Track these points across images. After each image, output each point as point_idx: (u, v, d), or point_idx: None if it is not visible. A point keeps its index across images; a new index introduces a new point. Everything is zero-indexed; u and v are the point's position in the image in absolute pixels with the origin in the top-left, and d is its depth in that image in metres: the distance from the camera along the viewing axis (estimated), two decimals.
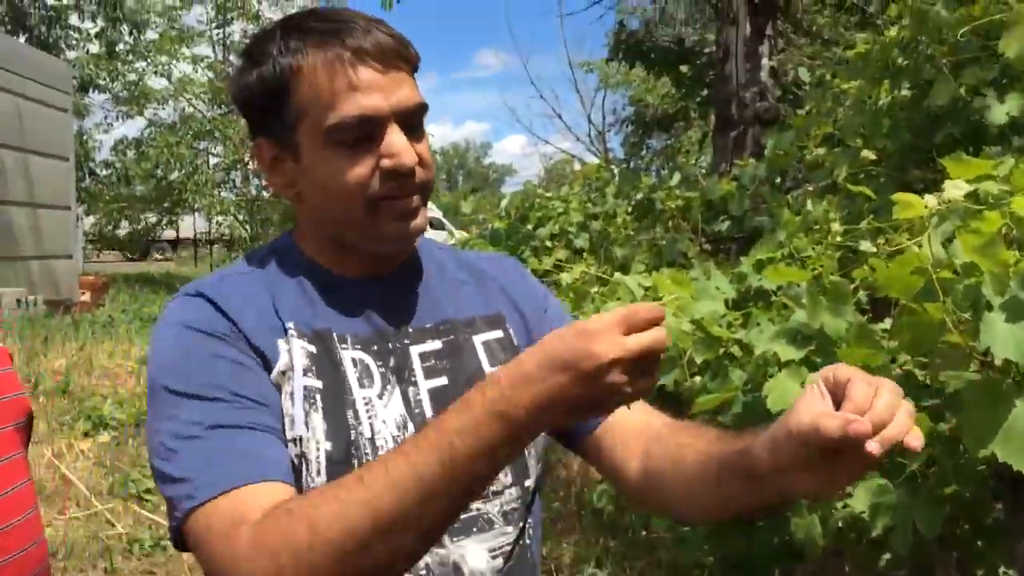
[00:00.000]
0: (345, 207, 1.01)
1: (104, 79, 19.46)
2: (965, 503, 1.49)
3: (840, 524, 1.61)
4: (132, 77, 19.98)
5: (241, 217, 19.51)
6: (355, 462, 0.97)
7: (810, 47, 9.81)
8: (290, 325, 1.00)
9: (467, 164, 62.45)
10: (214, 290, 1.02)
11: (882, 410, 0.76)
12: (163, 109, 20.49)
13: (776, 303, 2.24)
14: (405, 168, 0.99)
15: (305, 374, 0.98)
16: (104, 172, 20.69)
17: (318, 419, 0.97)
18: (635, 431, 1.11)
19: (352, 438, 0.98)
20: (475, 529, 1.03)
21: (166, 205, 20.97)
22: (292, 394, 0.97)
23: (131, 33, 19.44)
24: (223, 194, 19.96)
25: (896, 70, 2.62)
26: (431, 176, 1.05)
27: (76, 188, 14.98)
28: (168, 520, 0.94)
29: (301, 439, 0.96)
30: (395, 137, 0.99)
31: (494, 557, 1.04)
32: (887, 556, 1.63)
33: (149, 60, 19.75)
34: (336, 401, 0.99)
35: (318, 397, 0.98)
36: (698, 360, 2.09)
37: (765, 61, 5.85)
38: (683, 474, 1.01)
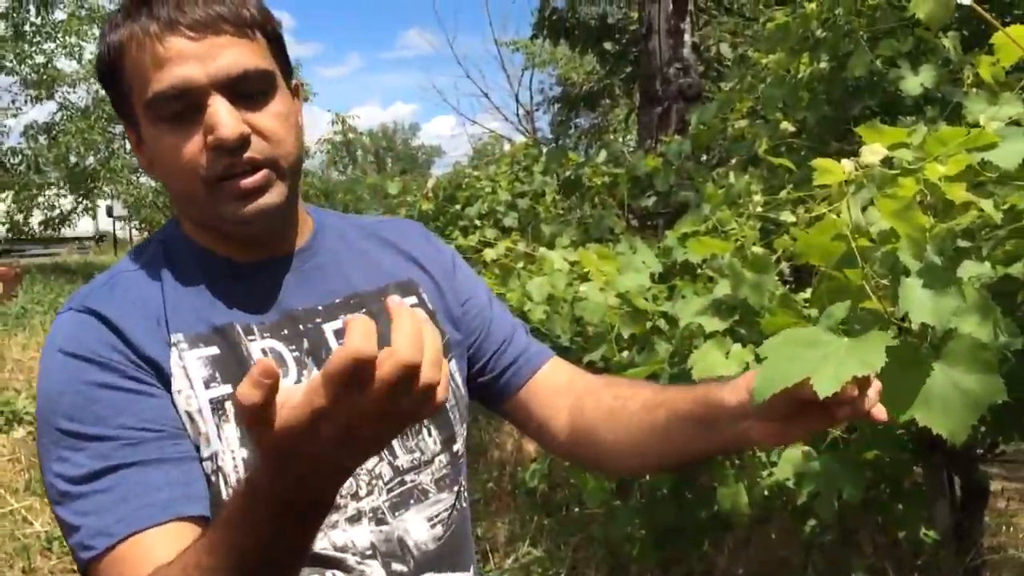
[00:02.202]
0: (184, 188, 0.94)
1: (11, 61, 18.63)
2: (885, 468, 1.52)
3: (766, 492, 1.63)
4: (40, 59, 19.16)
5: (160, 203, 18.97)
6: None
7: (731, 23, 9.93)
8: (177, 338, 0.93)
9: (395, 146, 61.85)
10: (103, 302, 0.94)
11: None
12: (74, 93, 19.73)
13: (701, 276, 2.25)
14: (227, 143, 0.89)
15: (208, 386, 0.93)
16: (14, 160, 19.82)
17: (231, 428, 0.92)
18: (561, 388, 1.14)
19: None
20: (412, 501, 1.02)
21: (81, 192, 20.21)
22: (200, 411, 0.92)
23: (38, 13, 18.62)
24: (141, 179, 19.36)
25: (814, 43, 2.65)
26: (281, 151, 0.94)
27: None
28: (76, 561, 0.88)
29: (216, 455, 0.91)
30: (219, 108, 0.90)
31: (433, 526, 1.03)
32: (813, 522, 1.66)
33: (59, 42, 18.95)
34: None
35: (227, 405, 0.93)
36: (625, 334, 2.09)
37: (687, 37, 5.88)
38: (622, 425, 1.05)
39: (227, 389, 0.93)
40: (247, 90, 0.92)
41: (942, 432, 1.08)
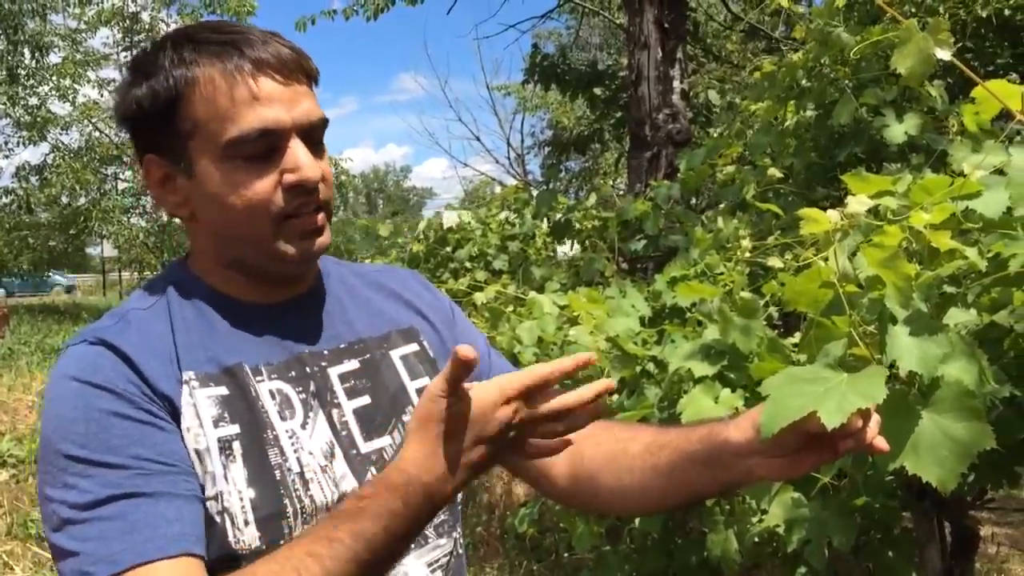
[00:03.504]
0: (248, 225, 0.96)
1: (4, 103, 18.70)
2: (875, 514, 1.51)
3: (756, 539, 1.62)
4: (34, 101, 19.22)
5: (151, 243, 18.93)
6: (286, 502, 0.93)
7: (720, 70, 10.07)
8: (188, 376, 0.94)
9: (387, 188, 62.14)
10: (117, 336, 0.94)
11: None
12: (66, 135, 19.77)
13: (690, 320, 2.26)
14: (311, 183, 0.96)
15: (217, 425, 0.93)
16: (5, 199, 19.79)
17: (237, 468, 0.92)
18: None
19: (279, 477, 0.94)
20: (412, 546, 1.02)
21: (72, 232, 20.17)
22: (208, 450, 0.92)
23: (33, 56, 18.74)
24: (132, 220, 19.34)
25: (800, 91, 2.69)
26: (332, 194, 1.02)
27: None
28: None
29: (221, 494, 0.91)
30: (299, 151, 0.95)
31: (433, 571, 1.05)
32: (803, 570, 1.64)
33: (52, 84, 19.03)
34: (255, 442, 0.94)
35: (235, 445, 0.93)
36: (615, 378, 2.09)
37: (676, 84, 5.95)
38: (624, 468, 1.07)
39: (235, 429, 0.94)
40: (314, 136, 0.98)
41: (931, 480, 1.08)
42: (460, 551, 1.11)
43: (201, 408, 0.93)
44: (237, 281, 1.02)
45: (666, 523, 1.96)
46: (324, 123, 1.00)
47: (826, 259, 1.29)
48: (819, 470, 1.42)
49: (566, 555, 3.62)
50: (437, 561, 1.05)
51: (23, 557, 4.10)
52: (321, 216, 0.99)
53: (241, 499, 0.92)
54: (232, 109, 0.92)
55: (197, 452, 0.91)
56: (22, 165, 19.66)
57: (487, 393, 0.83)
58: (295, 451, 0.96)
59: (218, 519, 0.91)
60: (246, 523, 0.91)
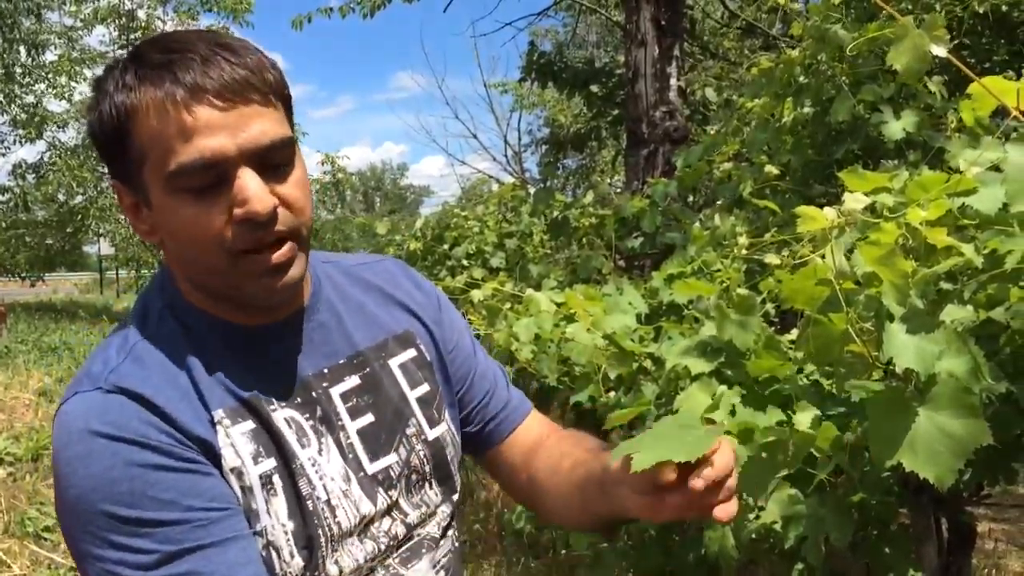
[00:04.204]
0: (206, 259, 0.89)
1: (1, 101, 18.66)
2: (872, 511, 1.51)
3: (753, 536, 1.61)
4: (31, 99, 19.19)
5: (147, 242, 18.85)
6: (319, 532, 0.93)
7: (717, 68, 10.07)
8: (219, 415, 0.90)
9: (384, 186, 62.06)
10: (136, 381, 0.88)
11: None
12: (64, 133, 19.74)
13: (688, 317, 2.25)
14: (259, 217, 0.86)
15: (256, 461, 0.91)
16: (1, 198, 19.77)
17: (279, 502, 0.92)
18: (529, 444, 1.17)
19: (311, 508, 0.93)
20: (423, 551, 1.04)
21: (69, 230, 20.13)
22: (251, 488, 0.90)
23: (29, 54, 18.69)
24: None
25: (798, 88, 2.69)
26: (303, 219, 0.92)
27: None
28: None
29: (266, 529, 0.91)
30: (247, 181, 0.86)
31: (437, 571, 1.06)
32: (800, 566, 1.64)
33: (48, 82, 18.99)
34: (289, 474, 0.93)
35: (275, 479, 0.92)
36: (612, 375, 2.09)
37: (673, 81, 5.95)
38: (557, 481, 1.08)
39: (272, 463, 0.92)
40: (272, 160, 0.89)
41: (929, 477, 1.08)
42: (456, 545, 1.11)
43: (239, 446, 0.91)
44: (226, 305, 0.96)
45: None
46: (284, 143, 0.89)
47: (823, 256, 1.29)
48: (815, 466, 1.41)
49: (563, 552, 3.62)
50: (439, 561, 1.06)
51: (20, 555, 4.10)
52: (286, 248, 0.90)
53: (286, 532, 0.91)
54: (170, 140, 0.85)
55: (244, 489, 0.90)
56: (19, 163, 19.62)
57: None
58: (320, 479, 0.95)
59: (264, 553, 0.90)
60: (291, 555, 0.91)
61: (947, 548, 2.22)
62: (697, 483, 0.81)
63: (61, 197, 19.26)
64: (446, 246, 5.61)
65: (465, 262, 5.29)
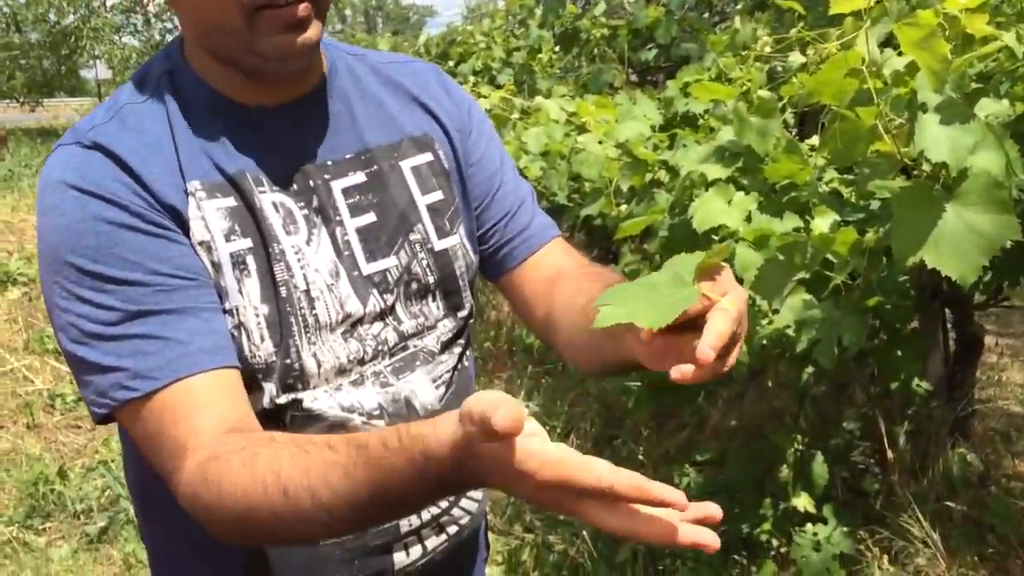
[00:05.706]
0: (219, 15, 0.85)
1: None
2: (885, 315, 1.50)
3: (764, 342, 1.62)
4: None
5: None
6: (292, 320, 0.91)
7: None
8: (194, 185, 0.88)
9: (386, 5, 59.87)
10: (114, 139, 0.86)
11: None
12: None
13: (703, 127, 2.18)
14: None
15: (228, 239, 0.88)
16: None
17: (252, 283, 0.89)
18: (548, 276, 1.09)
19: (285, 294, 0.91)
20: (418, 363, 1.01)
21: (64, 52, 19.58)
22: (220, 264, 0.88)
23: None
24: (124, 39, 18.73)
25: None
26: None
27: None
28: (88, 401, 0.85)
29: (237, 309, 0.88)
30: None
31: (437, 387, 1.02)
32: (809, 370, 1.66)
33: None
34: (265, 257, 0.90)
35: (249, 259, 0.89)
36: (624, 187, 2.04)
37: None
38: (571, 319, 1.00)
39: (247, 243, 0.89)
40: None
41: (952, 274, 1.06)
42: (465, 364, 1.08)
43: (211, 221, 0.88)
44: (233, 79, 0.92)
45: None
46: None
47: (852, 46, 1.21)
48: (831, 270, 1.39)
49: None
50: (440, 376, 1.04)
51: (41, 371, 4.23)
52: (304, 6, 0.86)
53: (257, 315, 0.89)
54: None
55: (213, 265, 0.88)
56: None
57: (525, 465, 0.63)
58: (301, 268, 0.92)
59: (235, 333, 0.88)
60: (262, 339, 0.89)
61: (953, 359, 2.25)
62: (685, 372, 0.70)
63: (52, 17, 18.62)
64: (451, 63, 5.44)
65: (472, 79, 5.14)
